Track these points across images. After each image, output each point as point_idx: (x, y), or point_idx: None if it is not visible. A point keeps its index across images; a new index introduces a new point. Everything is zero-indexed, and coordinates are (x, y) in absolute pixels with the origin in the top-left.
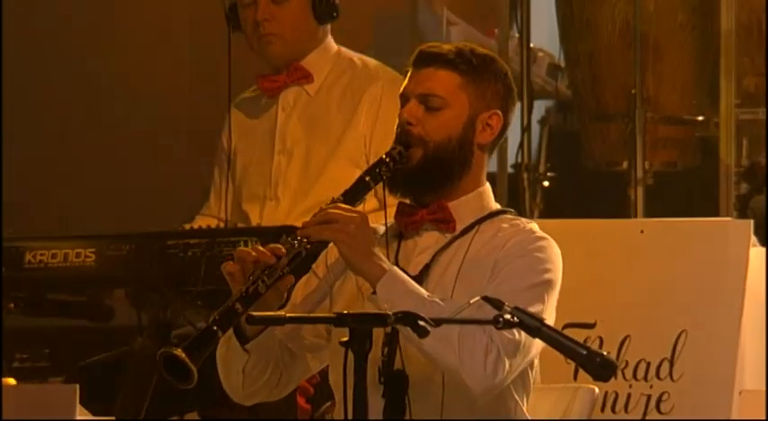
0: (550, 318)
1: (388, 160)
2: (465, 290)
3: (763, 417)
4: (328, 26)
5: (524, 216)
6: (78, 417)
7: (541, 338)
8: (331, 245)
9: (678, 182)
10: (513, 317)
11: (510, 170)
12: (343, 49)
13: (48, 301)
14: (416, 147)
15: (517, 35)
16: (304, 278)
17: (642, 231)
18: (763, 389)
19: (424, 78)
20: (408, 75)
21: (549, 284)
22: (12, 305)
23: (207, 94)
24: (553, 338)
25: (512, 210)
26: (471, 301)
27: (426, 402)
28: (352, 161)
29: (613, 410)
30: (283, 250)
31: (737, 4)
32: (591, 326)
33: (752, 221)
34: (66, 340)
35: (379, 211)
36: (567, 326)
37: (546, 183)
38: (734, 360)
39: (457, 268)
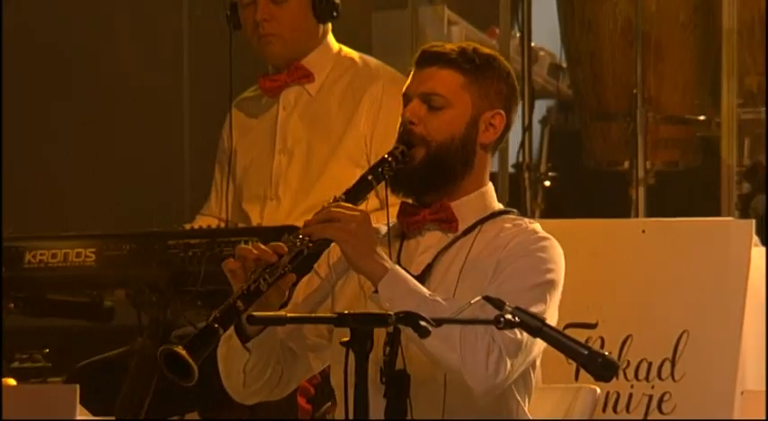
0: (553, 319)
1: (390, 159)
2: (467, 289)
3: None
4: (329, 25)
5: (525, 216)
6: (78, 418)
7: (543, 338)
8: (333, 244)
9: (680, 181)
10: (514, 317)
11: (511, 170)
12: (344, 49)
13: (48, 301)
14: (419, 147)
15: (518, 34)
16: (306, 277)
17: (643, 231)
18: (764, 389)
19: (426, 78)
20: (411, 74)
21: (551, 284)
22: (12, 305)
23: (207, 93)
24: (554, 338)
25: (514, 210)
26: (472, 301)
27: (428, 402)
28: (352, 160)
29: (615, 410)
30: (285, 248)
31: (739, 2)
32: (592, 326)
33: (753, 221)
34: (66, 340)
35: (381, 211)
36: (568, 326)
37: (547, 183)
38: (735, 360)
39: (459, 268)
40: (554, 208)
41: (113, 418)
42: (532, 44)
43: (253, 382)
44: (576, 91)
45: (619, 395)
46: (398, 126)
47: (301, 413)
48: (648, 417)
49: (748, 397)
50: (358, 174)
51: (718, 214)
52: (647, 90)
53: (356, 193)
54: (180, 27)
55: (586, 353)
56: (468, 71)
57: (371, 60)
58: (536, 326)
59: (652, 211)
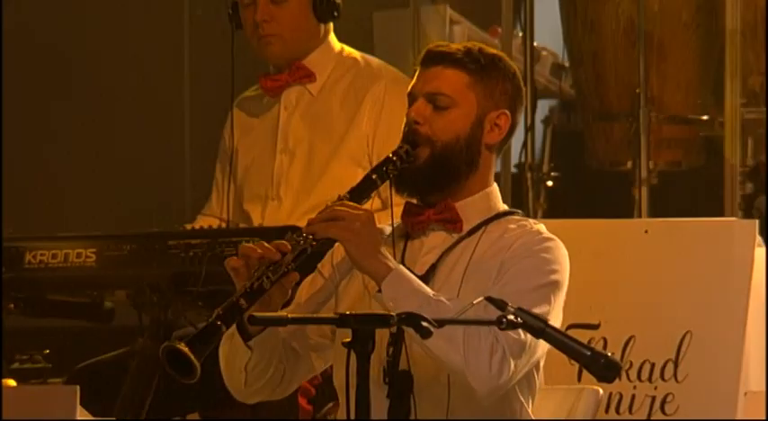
0: (557, 320)
1: (395, 159)
2: (471, 290)
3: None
4: (330, 25)
5: (528, 216)
6: (78, 419)
7: (545, 339)
8: (337, 244)
9: (683, 182)
10: (516, 317)
11: (513, 170)
12: (346, 48)
13: (48, 302)
14: (423, 147)
15: (520, 34)
16: (309, 277)
17: (646, 231)
18: (764, 389)
19: (431, 77)
20: (416, 74)
21: (555, 285)
22: (12, 305)
23: (208, 93)
24: (557, 339)
25: (519, 210)
26: (474, 302)
27: (432, 403)
28: (354, 160)
29: (617, 411)
30: (288, 247)
31: (742, 2)
32: (595, 326)
33: (757, 221)
34: (66, 341)
35: (384, 212)
36: (571, 326)
37: (550, 183)
38: (739, 361)
39: (463, 268)
40: (556, 208)
41: (114, 419)
42: (535, 44)
43: (254, 381)
44: (579, 91)
45: (621, 396)
46: (402, 126)
47: (302, 413)
48: (651, 418)
49: (749, 397)
50: (360, 174)
51: (721, 214)
52: (649, 90)
53: (360, 193)
54: (180, 27)
55: (589, 353)
56: (474, 71)
57: (373, 60)
58: (539, 327)
59: (655, 212)
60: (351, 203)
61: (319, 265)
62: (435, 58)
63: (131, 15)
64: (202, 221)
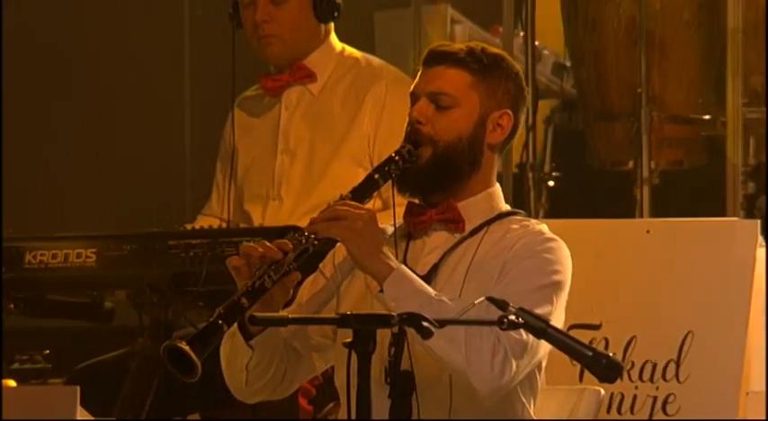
0: (559, 320)
1: (397, 158)
2: (473, 290)
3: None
4: (331, 25)
5: (529, 216)
6: (79, 419)
7: (547, 339)
8: (339, 244)
9: (684, 181)
10: (517, 318)
11: (514, 170)
12: (347, 48)
13: (48, 302)
14: (426, 146)
15: (522, 33)
16: (311, 277)
17: (648, 231)
18: (764, 390)
19: (434, 77)
20: (419, 73)
21: (557, 286)
22: (12, 306)
23: (208, 93)
24: (558, 339)
25: (521, 211)
26: (476, 302)
27: (433, 403)
28: (355, 160)
29: (619, 412)
30: (290, 246)
31: (744, 1)
32: (596, 327)
33: (759, 221)
34: (66, 341)
35: (384, 212)
36: (572, 326)
37: (551, 183)
38: (740, 361)
39: (465, 268)
40: (558, 208)
41: (114, 420)
42: (536, 43)
43: (255, 381)
44: (580, 90)
45: (623, 396)
46: (403, 126)
47: (303, 414)
48: (653, 419)
49: (750, 397)
50: (361, 174)
51: (723, 214)
52: (651, 89)
53: (363, 192)
54: (181, 27)
55: (591, 354)
56: (477, 71)
57: (375, 60)
58: (540, 328)
59: (657, 211)
60: (353, 203)
61: (321, 265)
62: (438, 58)
63: (131, 15)
64: (203, 221)
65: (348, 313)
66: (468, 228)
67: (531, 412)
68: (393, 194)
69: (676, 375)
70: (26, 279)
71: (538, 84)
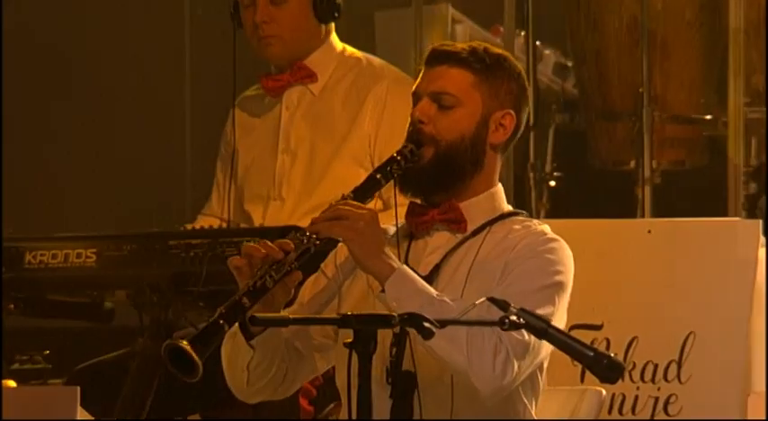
0: (561, 321)
1: (399, 158)
2: (475, 290)
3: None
4: (332, 25)
5: (530, 216)
6: (79, 419)
7: (548, 340)
8: (341, 244)
9: (686, 181)
10: (518, 318)
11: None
12: (348, 48)
13: (48, 302)
14: (428, 146)
15: (523, 33)
16: (312, 277)
17: (649, 231)
18: (763, 390)
19: (436, 76)
20: (421, 73)
21: (559, 286)
22: (12, 306)
23: (209, 93)
24: (560, 340)
25: (524, 211)
26: (477, 302)
27: (435, 403)
28: (356, 161)
29: (620, 412)
30: (292, 246)
31: (746, 1)
32: (598, 327)
33: (761, 221)
34: (66, 341)
35: (385, 212)
36: (573, 327)
37: (552, 183)
38: (742, 361)
39: (467, 269)
40: (559, 208)
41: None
42: (537, 43)
43: (256, 381)
44: (582, 90)
45: (624, 397)
46: (404, 126)
47: (303, 414)
48: (654, 419)
49: (751, 398)
50: (362, 174)
51: (725, 214)
52: (653, 89)
53: (364, 192)
54: (181, 26)
55: (592, 354)
56: (479, 70)
57: (376, 60)
58: (541, 328)
59: (658, 211)
60: (354, 203)
61: (322, 265)
62: (440, 58)
63: (131, 15)
64: (203, 221)
65: (349, 313)
66: (471, 228)
67: (533, 413)
68: (395, 194)
69: (678, 376)
70: (26, 279)
71: (539, 83)
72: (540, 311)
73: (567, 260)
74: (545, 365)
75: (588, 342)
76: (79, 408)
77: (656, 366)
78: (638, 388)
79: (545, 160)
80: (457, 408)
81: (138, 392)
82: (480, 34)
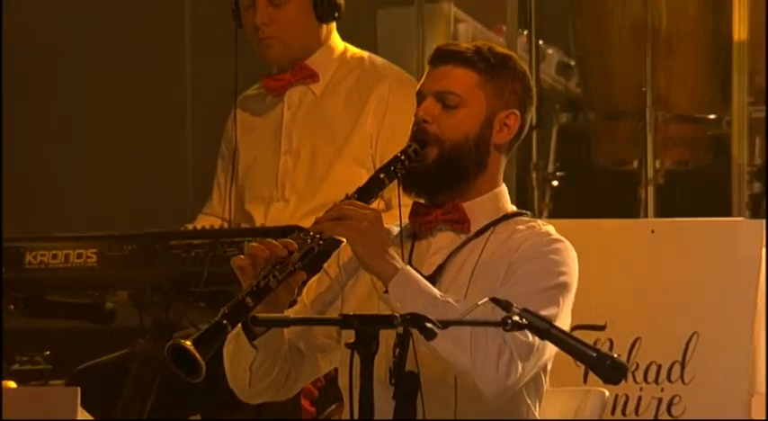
0: (565, 322)
1: (403, 158)
2: (479, 291)
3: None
4: (333, 25)
5: (533, 216)
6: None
7: (551, 340)
8: (344, 244)
9: (689, 181)
10: (521, 319)
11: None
12: (350, 48)
13: (48, 303)
14: (432, 146)
15: (525, 32)
16: (316, 277)
17: (653, 231)
18: (764, 391)
19: (440, 76)
20: (425, 72)
21: (564, 287)
22: (12, 306)
23: (210, 93)
24: (563, 340)
25: (528, 212)
26: (480, 303)
27: (438, 404)
28: (358, 161)
29: (624, 413)
30: (295, 245)
31: (749, 0)
32: (601, 327)
33: (764, 221)
34: (67, 342)
35: (388, 213)
36: (576, 327)
37: (555, 183)
38: (746, 362)
39: (471, 269)
40: (562, 208)
41: None
42: (540, 42)
43: (259, 381)
44: (585, 89)
45: (628, 398)
46: (406, 126)
47: (305, 415)
48: (658, 420)
49: (755, 399)
50: (364, 174)
51: (728, 214)
52: (656, 88)
53: (368, 192)
54: (182, 26)
55: (595, 355)
56: (483, 70)
57: (378, 59)
58: (543, 328)
59: (661, 211)
60: (358, 203)
61: (325, 265)
62: (445, 57)
63: (132, 15)
64: (203, 221)
65: (350, 314)
66: (474, 228)
67: (536, 414)
68: (399, 194)
69: (681, 376)
70: (26, 279)
71: (542, 83)
72: (544, 312)
73: (571, 261)
74: (549, 367)
75: (591, 342)
76: (80, 409)
77: (659, 367)
78: (641, 389)
79: (548, 160)
80: (460, 409)
81: (139, 393)
82: (483, 33)
